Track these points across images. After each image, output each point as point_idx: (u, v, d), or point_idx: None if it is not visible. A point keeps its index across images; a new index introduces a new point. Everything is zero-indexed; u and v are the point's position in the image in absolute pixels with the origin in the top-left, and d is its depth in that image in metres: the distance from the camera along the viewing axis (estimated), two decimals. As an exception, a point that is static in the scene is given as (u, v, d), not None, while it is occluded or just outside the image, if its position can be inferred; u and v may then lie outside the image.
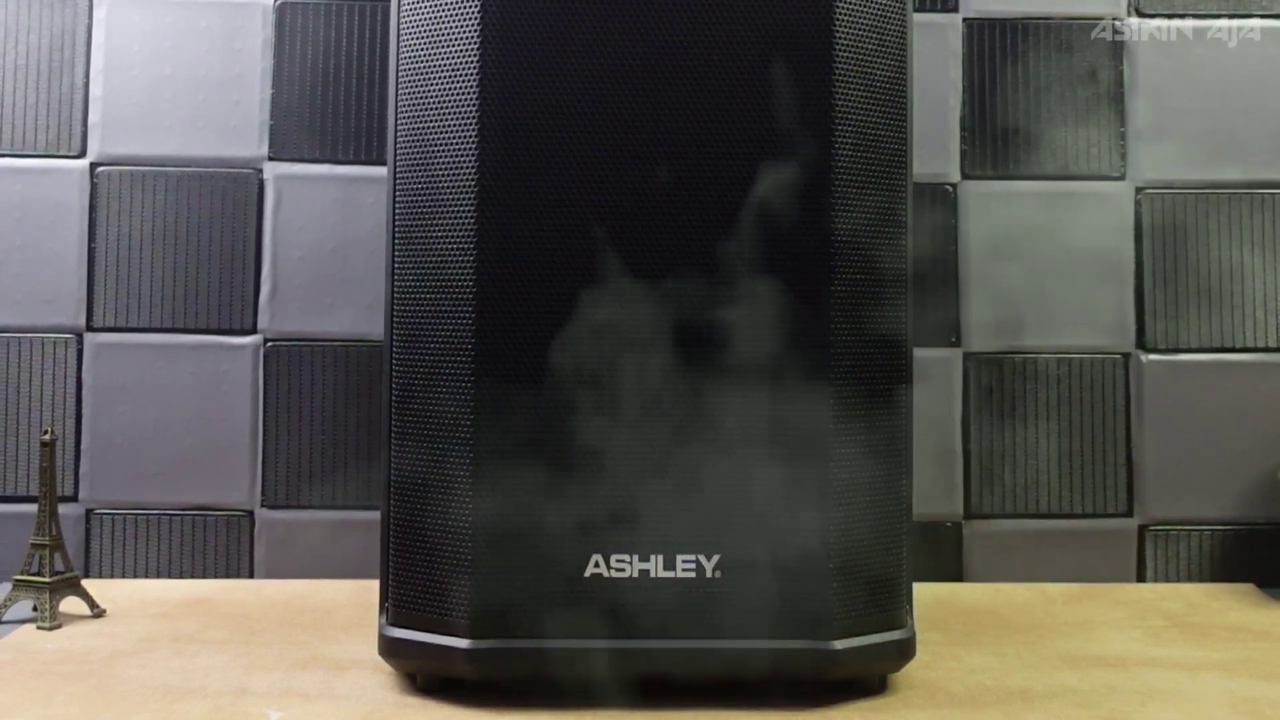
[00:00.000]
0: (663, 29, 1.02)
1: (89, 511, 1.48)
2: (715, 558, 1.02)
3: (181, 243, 1.49)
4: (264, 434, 1.49)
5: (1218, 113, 1.53)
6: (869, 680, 1.05)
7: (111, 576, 1.47)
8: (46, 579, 1.26)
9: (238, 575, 1.48)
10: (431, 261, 1.04)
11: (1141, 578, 1.51)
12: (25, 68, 1.49)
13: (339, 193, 1.50)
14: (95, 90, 1.49)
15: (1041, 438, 1.52)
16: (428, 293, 1.04)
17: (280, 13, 1.50)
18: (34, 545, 1.27)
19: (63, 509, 1.42)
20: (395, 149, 1.07)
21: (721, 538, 1.02)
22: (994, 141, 1.53)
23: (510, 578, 1.01)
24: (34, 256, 1.48)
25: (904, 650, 1.06)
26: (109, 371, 1.48)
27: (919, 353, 1.18)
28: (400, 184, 1.07)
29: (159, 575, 1.47)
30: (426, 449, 1.04)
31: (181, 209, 1.49)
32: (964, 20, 1.53)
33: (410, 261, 1.06)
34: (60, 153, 1.49)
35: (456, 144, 1.03)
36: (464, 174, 1.02)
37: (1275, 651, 1.21)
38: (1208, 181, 1.53)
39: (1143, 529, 1.52)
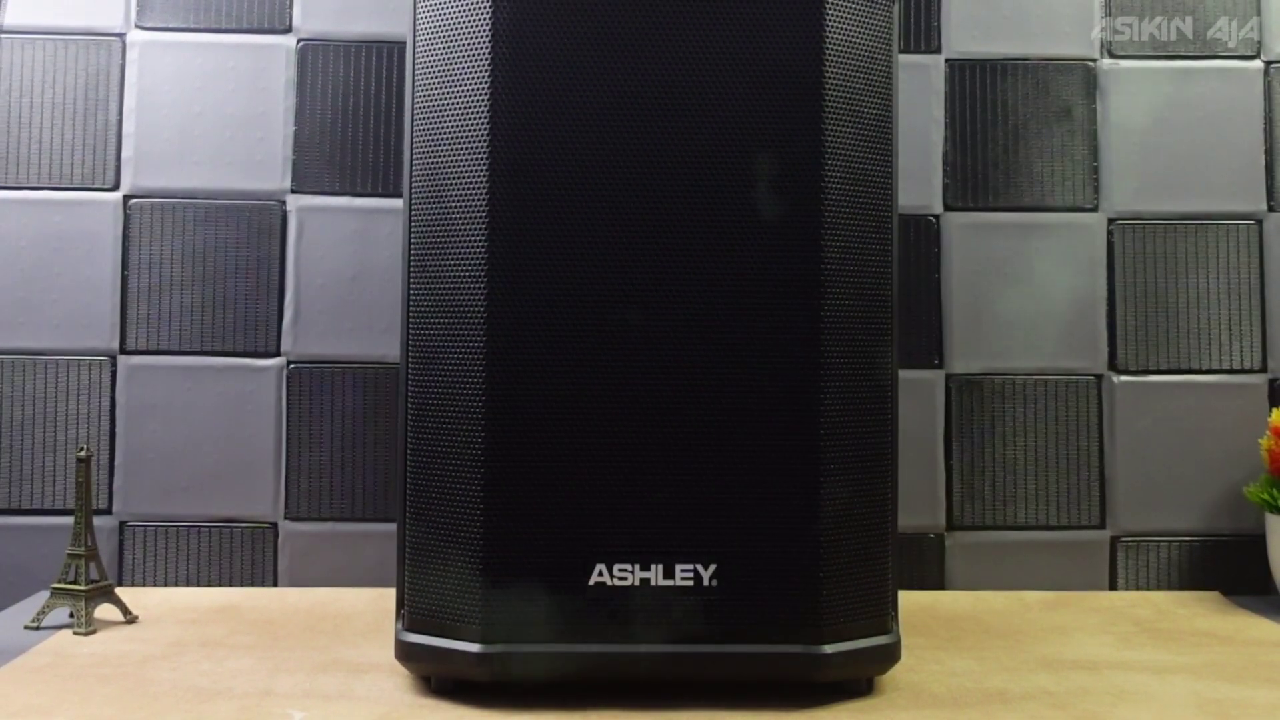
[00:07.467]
0: (663, 69, 1.04)
1: (122, 523, 1.50)
2: (712, 567, 1.03)
3: (209, 271, 1.52)
4: (287, 451, 1.51)
5: (1184, 148, 1.55)
6: (856, 682, 1.07)
7: (143, 585, 1.49)
8: (82, 587, 1.28)
9: (262, 584, 1.50)
10: (445, 288, 1.06)
11: (1113, 586, 1.52)
12: (62, 106, 1.52)
13: (357, 224, 1.53)
14: (128, 127, 1.52)
15: (1019, 454, 1.53)
16: (441, 317, 1.06)
17: (302, 54, 1.53)
18: (70, 555, 1.29)
19: (97, 521, 1.43)
20: (410, 182, 1.09)
21: (718, 548, 1.03)
22: (974, 175, 1.55)
23: (519, 586, 1.02)
24: (71, 284, 1.51)
25: (889, 654, 1.08)
26: (141, 392, 1.51)
27: (903, 373, 1.18)
28: (415, 215, 1.08)
29: (188, 584, 1.50)
30: (440, 465, 1.05)
31: (209, 239, 1.52)
32: (946, 61, 1.55)
33: (425, 288, 1.07)
34: (95, 186, 1.51)
35: (468, 177, 1.05)
36: (475, 206, 1.04)
37: (1239, 655, 1.23)
38: (1175, 213, 1.55)
39: (1114, 540, 1.53)
